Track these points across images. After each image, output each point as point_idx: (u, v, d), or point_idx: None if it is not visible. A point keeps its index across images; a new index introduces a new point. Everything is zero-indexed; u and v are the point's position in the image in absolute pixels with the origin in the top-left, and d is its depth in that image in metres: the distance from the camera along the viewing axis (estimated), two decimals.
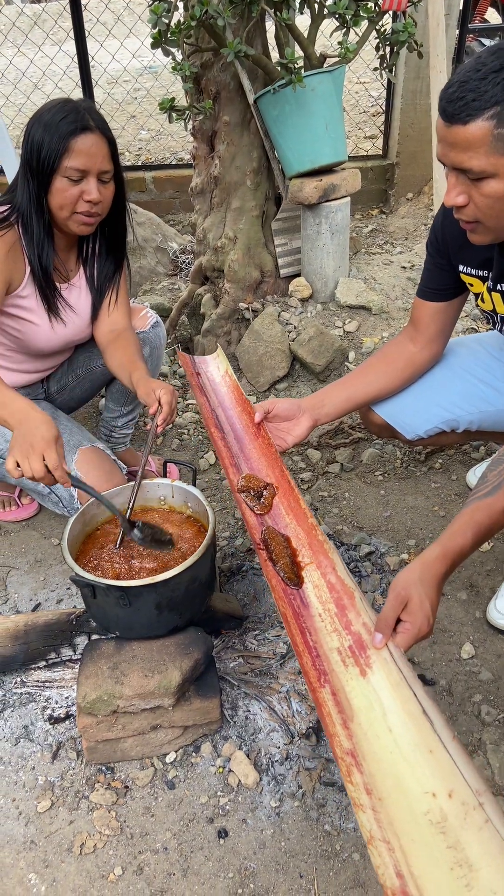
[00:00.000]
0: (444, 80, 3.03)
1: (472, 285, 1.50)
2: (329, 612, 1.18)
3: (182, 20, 2.33)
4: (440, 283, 1.55)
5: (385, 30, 2.65)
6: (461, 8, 3.60)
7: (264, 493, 1.43)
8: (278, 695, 1.52)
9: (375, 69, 2.85)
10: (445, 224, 1.46)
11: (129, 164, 4.48)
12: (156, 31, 2.30)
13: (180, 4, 2.36)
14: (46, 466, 1.31)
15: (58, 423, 1.81)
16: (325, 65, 2.58)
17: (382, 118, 3.95)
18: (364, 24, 2.55)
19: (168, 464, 1.67)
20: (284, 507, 1.40)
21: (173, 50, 2.39)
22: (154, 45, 2.36)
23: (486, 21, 4.98)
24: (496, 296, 1.43)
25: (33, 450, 1.31)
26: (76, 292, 1.78)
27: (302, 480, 2.21)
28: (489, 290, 1.44)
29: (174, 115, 2.53)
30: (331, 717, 1.01)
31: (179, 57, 2.48)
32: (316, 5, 2.54)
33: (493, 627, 1.70)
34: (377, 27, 2.62)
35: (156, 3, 2.29)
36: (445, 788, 0.88)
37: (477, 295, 1.50)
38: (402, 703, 0.99)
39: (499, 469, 1.22)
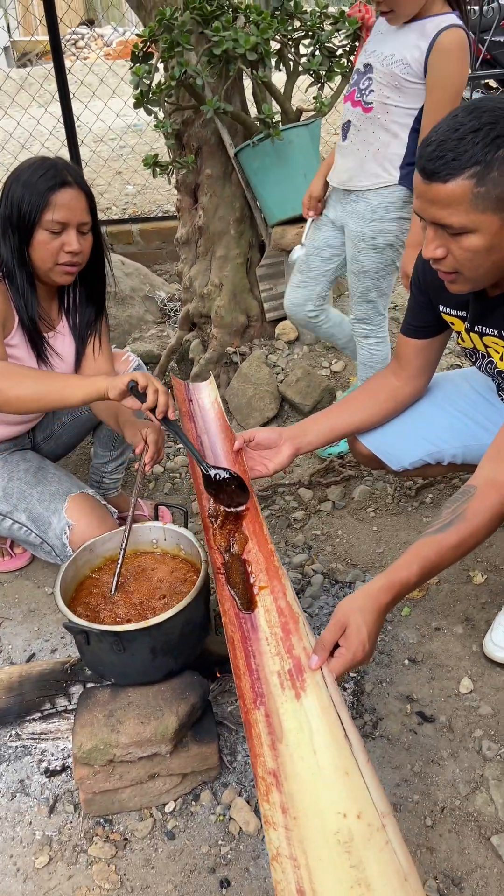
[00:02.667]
0: None
1: (452, 324, 1.54)
2: (275, 635, 1.21)
3: (163, 80, 2.43)
4: (423, 321, 1.58)
5: None
6: None
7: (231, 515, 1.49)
8: None
9: None
10: (426, 267, 1.50)
11: (116, 217, 4.59)
12: (138, 91, 2.40)
13: (160, 66, 2.47)
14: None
15: (46, 472, 1.82)
16: (301, 118, 2.69)
17: None
18: (338, 79, 2.66)
19: (160, 507, 1.68)
20: (249, 532, 1.44)
21: (155, 109, 2.48)
22: (137, 105, 2.45)
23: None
24: (474, 336, 1.48)
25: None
26: (61, 339, 1.82)
27: (294, 519, 2.22)
28: (467, 331, 1.49)
29: (158, 170, 2.61)
30: (259, 739, 1.05)
31: (161, 115, 2.57)
32: (291, 63, 2.65)
33: (491, 660, 1.69)
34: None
35: (137, 65, 2.39)
36: (356, 809, 0.93)
37: (458, 333, 1.54)
38: (328, 727, 1.03)
39: (454, 507, 1.25)
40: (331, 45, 2.60)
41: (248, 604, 1.30)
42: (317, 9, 2.60)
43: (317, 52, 2.59)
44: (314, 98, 2.66)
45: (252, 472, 1.56)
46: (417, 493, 2.28)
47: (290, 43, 2.59)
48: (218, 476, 1.49)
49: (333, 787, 0.96)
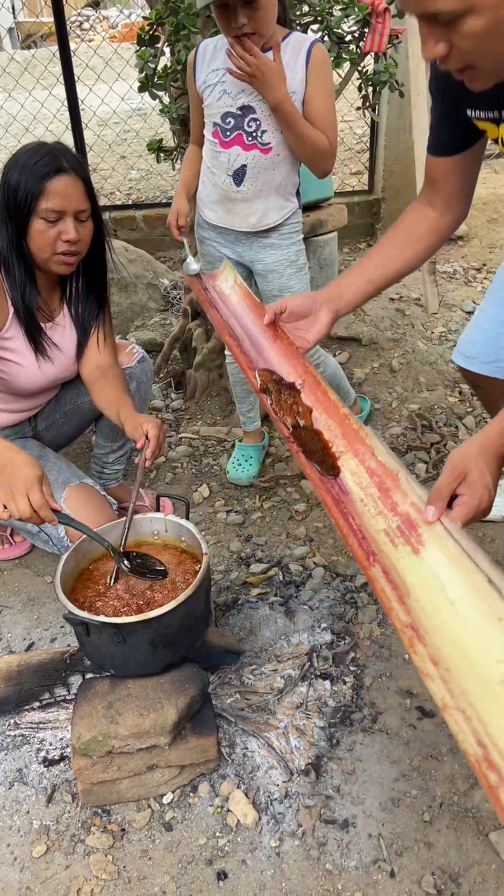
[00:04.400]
0: (425, 118, 3.11)
1: (485, 131, 1.32)
2: (371, 496, 1.10)
3: (168, 64, 2.39)
4: (451, 133, 1.37)
5: (367, 70, 2.72)
6: None
7: (285, 386, 1.34)
8: (276, 731, 1.50)
9: (359, 108, 2.92)
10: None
11: (119, 203, 4.56)
12: (143, 75, 2.36)
13: (167, 49, 2.43)
14: (32, 506, 1.31)
15: (46, 461, 1.81)
16: None
17: (367, 155, 4.04)
18: (346, 65, 2.62)
19: (161, 498, 1.67)
20: (312, 402, 1.30)
21: (160, 93, 2.45)
22: (141, 89, 2.42)
23: None
24: None
25: (18, 490, 1.31)
26: (60, 331, 1.80)
27: (296, 511, 2.21)
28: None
29: (162, 155, 2.58)
30: (385, 593, 0.98)
31: (167, 100, 2.54)
32: None
33: None
34: (359, 68, 2.70)
35: (142, 48, 2.36)
36: None
37: (494, 141, 1.34)
38: (463, 576, 0.94)
39: None
40: (339, 30, 2.56)
41: (331, 468, 1.19)
42: None
43: (325, 38, 2.55)
44: None
45: None
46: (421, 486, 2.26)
47: (298, 28, 2.55)
48: (131, 562, 1.46)
49: (485, 635, 0.87)
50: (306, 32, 2.60)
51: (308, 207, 2.69)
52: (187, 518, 1.59)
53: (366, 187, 4.10)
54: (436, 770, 1.46)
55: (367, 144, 4.04)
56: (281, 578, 1.95)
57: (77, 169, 1.58)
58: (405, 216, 1.50)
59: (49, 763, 1.49)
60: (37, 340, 1.72)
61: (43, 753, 1.51)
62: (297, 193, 1.99)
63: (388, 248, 1.47)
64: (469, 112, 1.28)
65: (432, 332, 2.98)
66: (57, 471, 1.79)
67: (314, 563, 2.00)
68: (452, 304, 3.19)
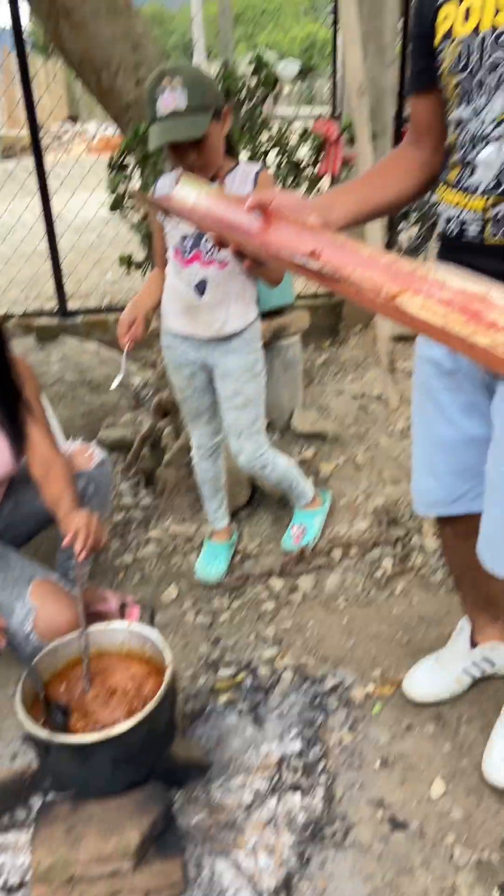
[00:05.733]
0: (378, 233, 3.30)
1: (446, 17, 1.21)
2: (457, 321, 0.94)
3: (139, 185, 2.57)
4: (426, 62, 1.28)
5: (323, 190, 2.94)
6: None
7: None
8: (244, 850, 1.46)
9: None
10: None
11: (94, 307, 4.72)
12: (113, 196, 2.53)
13: (137, 173, 2.61)
14: None
15: (7, 560, 1.82)
16: None
17: None
18: (304, 187, 2.83)
19: (126, 603, 1.67)
20: (339, 262, 1.07)
21: (130, 212, 2.61)
22: (113, 208, 2.58)
23: None
24: None
25: None
26: None
27: (265, 611, 2.21)
28: None
29: (132, 268, 2.72)
30: None
31: (136, 219, 2.70)
32: None
33: (491, 786, 1.61)
34: (316, 189, 2.91)
35: (113, 173, 2.53)
36: None
37: (448, 33, 1.21)
38: None
39: None
40: (296, 157, 2.78)
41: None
42: (283, 125, 2.79)
43: (283, 163, 2.76)
44: None
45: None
46: (387, 583, 2.29)
47: (259, 154, 2.76)
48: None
49: None
50: (265, 159, 2.82)
51: (272, 313, 2.83)
52: (152, 624, 1.59)
53: (328, 290, 4.32)
54: (409, 885, 1.42)
55: None
56: (250, 683, 1.93)
57: None
58: (397, 152, 1.45)
59: (9, 890, 1.42)
60: None
61: (2, 879, 1.44)
62: (256, 302, 2.10)
63: (383, 178, 1.40)
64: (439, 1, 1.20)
65: (394, 428, 3.08)
66: (20, 567, 1.79)
67: (283, 665, 1.99)
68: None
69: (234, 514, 2.65)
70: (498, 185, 1.18)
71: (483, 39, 1.14)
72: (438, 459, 1.53)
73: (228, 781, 1.62)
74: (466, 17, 1.16)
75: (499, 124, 1.14)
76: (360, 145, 2.84)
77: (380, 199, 1.38)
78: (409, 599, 2.23)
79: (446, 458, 1.52)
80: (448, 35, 1.19)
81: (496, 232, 1.20)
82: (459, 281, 0.94)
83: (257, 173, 1.90)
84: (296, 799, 1.60)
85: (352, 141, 2.85)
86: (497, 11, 1.11)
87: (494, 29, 1.12)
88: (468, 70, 1.17)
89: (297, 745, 1.73)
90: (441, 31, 1.21)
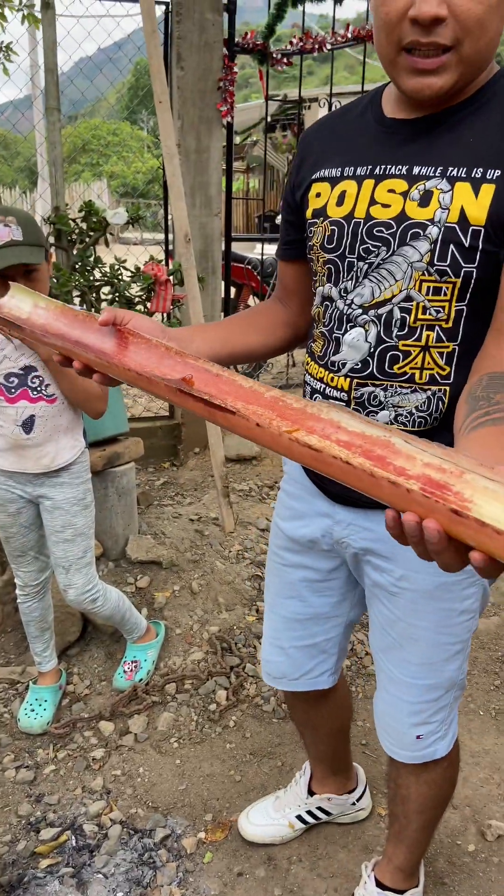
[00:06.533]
0: None
1: (319, 194, 1.20)
2: (362, 466, 0.79)
3: None
4: (297, 234, 1.31)
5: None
6: (222, 308, 4.31)
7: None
8: None
9: None
10: (310, 135, 1.28)
11: None
12: None
13: None
14: None
15: None
16: None
17: None
18: None
19: None
20: (216, 393, 0.94)
21: None
22: None
23: (248, 306, 5.96)
24: (365, 186, 1.13)
25: None
26: None
27: (93, 759, 2.09)
28: (358, 179, 1.14)
29: None
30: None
31: None
32: (92, 309, 2.92)
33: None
34: None
35: None
36: None
37: (319, 211, 1.19)
38: None
39: None
40: (128, 294, 2.92)
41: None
42: (115, 263, 2.94)
43: (115, 299, 2.89)
44: None
45: None
46: (221, 717, 2.27)
47: (91, 291, 2.88)
48: None
49: None
50: (98, 295, 2.94)
51: (105, 442, 2.86)
52: None
53: (167, 413, 4.44)
54: None
55: None
56: (74, 843, 1.80)
57: None
58: (262, 305, 1.44)
59: None
60: None
61: None
62: (84, 434, 2.13)
63: (246, 324, 1.36)
64: (319, 173, 1.20)
65: (229, 551, 3.15)
66: None
67: (111, 819, 1.88)
68: (248, 522, 3.42)
69: (64, 651, 2.54)
70: (364, 367, 1.17)
71: (356, 225, 1.13)
72: (284, 634, 1.53)
73: None
74: (340, 201, 1.15)
75: (366, 311, 1.14)
76: (189, 286, 3.05)
77: (240, 345, 1.31)
78: (242, 732, 2.22)
79: (293, 632, 1.51)
80: (321, 213, 1.19)
81: (361, 413, 1.17)
82: (357, 423, 0.83)
83: None
84: None
85: (181, 283, 3.06)
86: (371, 202, 1.11)
87: (369, 219, 1.11)
88: (339, 252, 1.16)
89: None
90: (313, 206, 1.21)
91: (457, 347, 1.12)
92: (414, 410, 1.17)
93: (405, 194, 1.08)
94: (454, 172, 1.04)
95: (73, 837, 1.82)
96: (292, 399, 0.89)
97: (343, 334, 1.18)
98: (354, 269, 1.15)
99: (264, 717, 2.28)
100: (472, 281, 1.07)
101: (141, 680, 2.37)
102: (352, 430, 0.82)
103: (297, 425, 0.86)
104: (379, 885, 1.60)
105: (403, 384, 1.15)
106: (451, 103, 1.07)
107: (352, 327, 1.16)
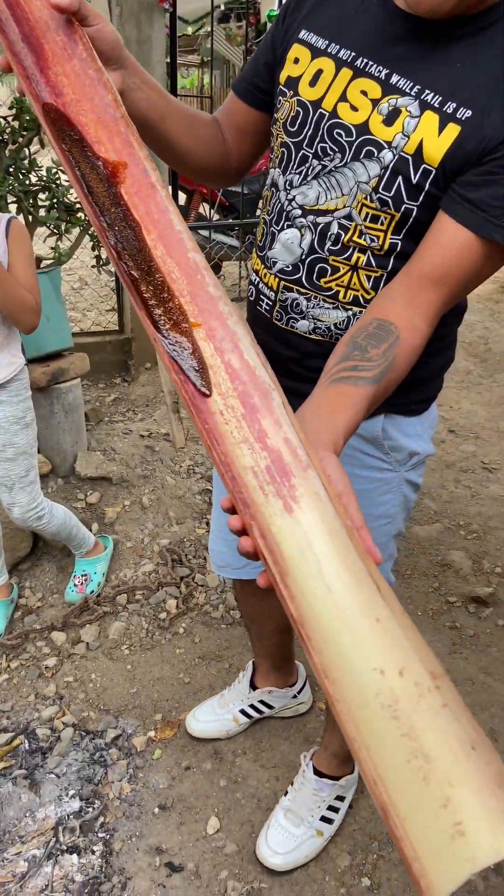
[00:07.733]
0: None
1: (297, 61, 1.08)
2: (233, 410, 0.75)
3: None
4: (265, 89, 1.18)
5: (96, 235, 2.97)
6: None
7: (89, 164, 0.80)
8: None
9: (93, 266, 3.15)
10: None
11: None
12: None
13: None
14: None
15: None
16: (41, 266, 2.80)
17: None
18: (76, 231, 2.84)
19: None
20: (140, 213, 0.79)
21: None
22: None
23: (200, 215, 5.74)
24: (341, 76, 1.03)
25: None
26: None
27: (46, 667, 2.16)
28: (338, 62, 1.04)
29: None
30: (271, 570, 0.72)
31: None
32: (30, 216, 2.78)
33: (265, 867, 1.61)
34: (89, 233, 2.93)
35: None
36: (395, 665, 0.67)
37: (292, 85, 1.08)
38: (340, 556, 0.70)
39: (382, 348, 0.92)
40: (68, 199, 2.78)
41: (180, 329, 0.77)
42: (53, 166, 2.78)
43: (54, 206, 2.75)
44: (52, 248, 2.80)
45: None
46: (171, 624, 2.34)
47: (27, 197, 2.73)
48: None
49: (361, 637, 0.68)
50: (35, 202, 2.79)
51: (49, 357, 2.79)
52: None
53: (117, 327, 4.34)
54: None
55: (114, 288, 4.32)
56: (27, 747, 1.88)
57: None
58: (207, 117, 1.23)
59: None
60: None
61: None
62: (22, 350, 2.07)
63: (188, 124, 1.16)
64: (306, 33, 1.08)
65: (180, 466, 3.17)
66: None
67: (63, 723, 1.95)
68: (198, 438, 3.44)
69: (15, 566, 2.57)
70: (294, 272, 1.14)
71: (321, 117, 1.04)
72: (226, 525, 1.57)
73: (2, 854, 1.56)
74: (314, 81, 1.05)
75: (305, 214, 1.10)
76: None
77: (175, 133, 1.13)
78: (191, 638, 2.30)
79: None
80: (293, 84, 1.08)
81: (281, 318, 1.19)
82: (254, 355, 0.76)
83: (9, 221, 1.90)
84: (73, 860, 1.58)
85: None
86: (342, 98, 1.03)
87: (334, 114, 1.03)
88: (297, 138, 1.08)
89: (75, 805, 1.71)
90: (287, 71, 1.09)
91: (385, 274, 1.10)
92: (332, 327, 1.16)
93: (375, 102, 1.00)
94: (429, 98, 0.97)
95: (27, 741, 1.90)
96: (211, 280, 0.78)
97: (279, 231, 1.14)
98: (307, 164, 1.08)
99: (213, 623, 2.36)
100: (411, 219, 1.03)
101: (92, 592, 2.42)
102: (245, 359, 0.76)
103: (202, 320, 0.77)
104: (316, 772, 1.72)
105: (327, 299, 1.14)
106: (465, 12, 0.94)
107: (288, 227, 1.12)
